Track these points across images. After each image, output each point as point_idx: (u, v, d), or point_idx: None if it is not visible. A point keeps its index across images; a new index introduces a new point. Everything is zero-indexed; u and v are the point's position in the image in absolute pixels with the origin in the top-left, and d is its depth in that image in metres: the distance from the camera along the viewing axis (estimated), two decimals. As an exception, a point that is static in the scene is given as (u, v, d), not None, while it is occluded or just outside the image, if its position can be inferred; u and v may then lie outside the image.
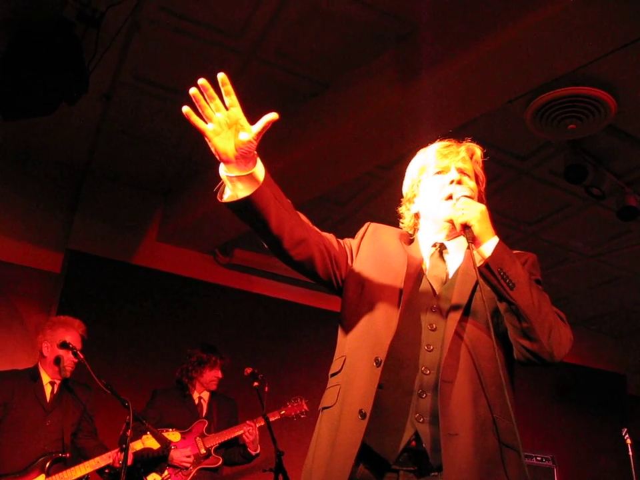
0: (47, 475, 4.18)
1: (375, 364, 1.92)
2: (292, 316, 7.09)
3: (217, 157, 1.80)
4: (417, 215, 2.28)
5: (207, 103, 1.74)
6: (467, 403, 1.87)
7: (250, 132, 1.76)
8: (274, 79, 4.91)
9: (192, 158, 6.06)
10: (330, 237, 2.18)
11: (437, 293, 2.06)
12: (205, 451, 4.81)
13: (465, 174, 2.17)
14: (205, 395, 5.14)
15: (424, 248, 2.20)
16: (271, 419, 4.93)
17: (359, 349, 2.00)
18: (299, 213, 2.05)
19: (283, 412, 5.19)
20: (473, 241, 1.92)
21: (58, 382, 4.46)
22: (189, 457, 4.72)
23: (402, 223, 2.34)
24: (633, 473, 5.99)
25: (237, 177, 1.82)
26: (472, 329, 1.96)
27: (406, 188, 2.33)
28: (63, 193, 6.54)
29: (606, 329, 9.19)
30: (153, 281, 6.55)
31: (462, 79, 4.12)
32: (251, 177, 1.83)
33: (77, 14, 4.25)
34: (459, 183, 2.12)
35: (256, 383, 4.93)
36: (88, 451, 4.46)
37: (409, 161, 2.30)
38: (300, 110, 5.15)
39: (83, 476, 4.24)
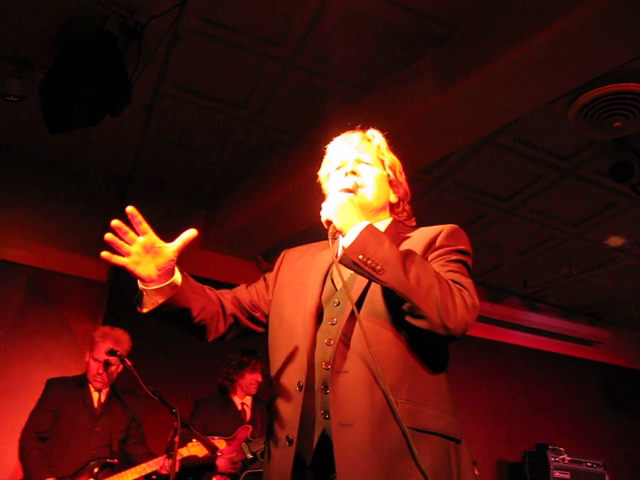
0: (95, 480, 4.24)
1: (297, 388, 1.91)
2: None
3: (141, 281, 1.89)
4: None
5: (123, 240, 1.84)
6: (362, 391, 1.79)
7: (170, 250, 1.87)
8: (313, 84, 4.92)
9: (233, 165, 6.11)
10: (241, 289, 2.31)
11: (338, 288, 2.03)
12: (251, 456, 4.82)
13: (363, 163, 2.18)
14: (248, 401, 5.17)
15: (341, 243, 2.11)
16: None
17: (283, 376, 2.00)
18: (206, 288, 2.18)
19: None
20: (333, 236, 1.89)
21: (106, 389, 4.52)
22: (236, 463, 4.74)
23: None
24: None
25: (156, 289, 1.90)
26: (368, 316, 1.87)
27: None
28: (108, 202, 6.63)
29: (655, 330, 9.01)
30: (197, 288, 6.60)
31: (503, 80, 4.07)
32: (171, 284, 1.92)
33: (119, 27, 4.32)
34: (353, 173, 2.12)
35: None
36: (136, 457, 4.51)
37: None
38: (340, 116, 5.15)
39: (130, 482, 4.29)
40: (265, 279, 2.33)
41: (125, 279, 6.23)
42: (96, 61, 4.26)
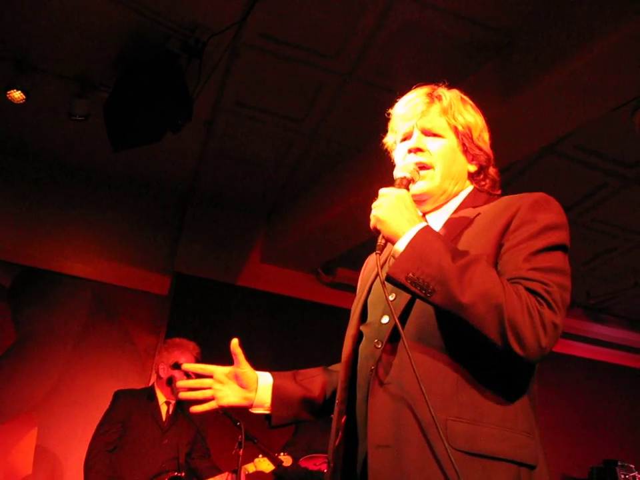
0: (163, 493, 4.27)
1: (337, 408, 1.76)
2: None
3: (247, 408, 1.98)
4: None
5: (199, 388, 1.95)
6: (402, 407, 1.51)
7: (235, 366, 1.96)
8: (372, 97, 4.91)
9: (292, 179, 6.14)
10: None
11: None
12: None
13: (430, 134, 1.85)
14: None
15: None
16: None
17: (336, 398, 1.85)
18: (318, 369, 2.13)
19: None
20: (381, 249, 1.60)
21: (173, 402, 4.57)
22: None
23: None
24: None
25: (258, 401, 1.99)
26: (420, 315, 1.59)
27: None
28: (169, 217, 6.76)
29: None
30: (258, 302, 6.66)
31: (566, 88, 3.99)
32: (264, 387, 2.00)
33: (180, 45, 4.40)
34: (419, 150, 1.82)
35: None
36: (201, 471, 4.53)
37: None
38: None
39: (196, 495, 4.32)
40: None
41: (185, 293, 6.34)
42: (158, 79, 4.35)
